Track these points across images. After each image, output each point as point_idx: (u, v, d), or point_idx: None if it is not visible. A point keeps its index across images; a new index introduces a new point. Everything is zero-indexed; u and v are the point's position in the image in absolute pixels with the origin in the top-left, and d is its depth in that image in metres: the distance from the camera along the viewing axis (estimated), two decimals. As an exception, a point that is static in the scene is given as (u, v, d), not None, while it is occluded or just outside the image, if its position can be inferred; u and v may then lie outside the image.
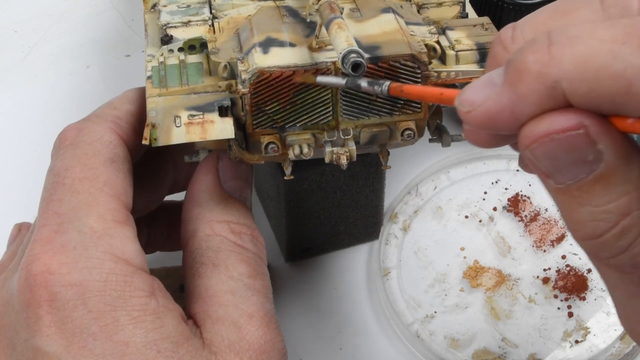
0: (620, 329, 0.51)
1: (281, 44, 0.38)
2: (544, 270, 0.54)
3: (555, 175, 0.27)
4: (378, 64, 0.37)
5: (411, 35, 0.39)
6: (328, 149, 0.39)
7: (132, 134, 0.40)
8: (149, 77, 0.39)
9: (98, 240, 0.35)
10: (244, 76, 0.37)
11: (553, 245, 0.55)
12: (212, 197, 0.40)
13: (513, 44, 0.29)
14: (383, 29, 0.39)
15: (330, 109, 0.38)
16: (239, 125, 0.38)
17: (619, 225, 0.26)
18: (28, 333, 0.34)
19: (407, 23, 0.40)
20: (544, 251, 0.55)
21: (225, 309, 0.37)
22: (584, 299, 0.53)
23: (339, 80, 0.35)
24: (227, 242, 0.39)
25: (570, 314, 0.52)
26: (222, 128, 0.37)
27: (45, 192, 0.37)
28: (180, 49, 0.40)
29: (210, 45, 0.40)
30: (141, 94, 0.42)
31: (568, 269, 0.54)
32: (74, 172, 0.37)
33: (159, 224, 0.46)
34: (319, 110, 0.38)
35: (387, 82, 0.33)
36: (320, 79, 0.36)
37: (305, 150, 0.39)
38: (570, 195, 0.27)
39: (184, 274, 0.39)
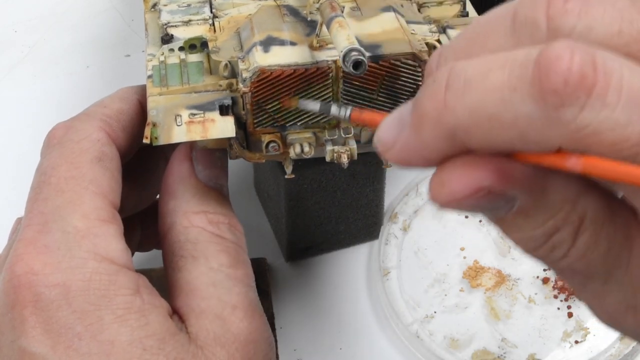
0: (620, 329, 0.51)
1: (282, 42, 0.38)
2: (544, 270, 0.54)
3: (477, 214, 0.27)
4: (379, 62, 0.37)
5: (412, 34, 0.39)
6: (329, 147, 0.39)
7: (122, 133, 0.40)
8: (149, 77, 0.39)
9: (82, 239, 0.35)
10: (245, 75, 0.37)
11: (553, 246, 0.55)
12: (188, 187, 0.39)
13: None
14: (384, 28, 0.39)
15: (331, 107, 0.38)
16: (239, 124, 0.38)
17: (549, 243, 0.26)
18: (14, 334, 0.34)
19: (408, 22, 0.40)
20: (544, 251, 0.55)
21: (207, 302, 0.36)
22: (583, 299, 0.53)
23: (315, 106, 0.36)
24: (205, 233, 0.38)
25: (570, 314, 0.52)
26: (223, 127, 0.37)
27: (31, 191, 0.37)
28: (181, 48, 0.40)
29: (210, 44, 0.40)
30: (135, 92, 0.41)
31: (568, 269, 0.54)
32: (60, 170, 0.37)
33: (154, 222, 0.46)
34: (320, 108, 0.38)
35: (350, 108, 0.33)
36: (301, 103, 0.37)
37: (306, 149, 0.39)
38: (499, 223, 0.27)
39: (165, 268, 0.39)
